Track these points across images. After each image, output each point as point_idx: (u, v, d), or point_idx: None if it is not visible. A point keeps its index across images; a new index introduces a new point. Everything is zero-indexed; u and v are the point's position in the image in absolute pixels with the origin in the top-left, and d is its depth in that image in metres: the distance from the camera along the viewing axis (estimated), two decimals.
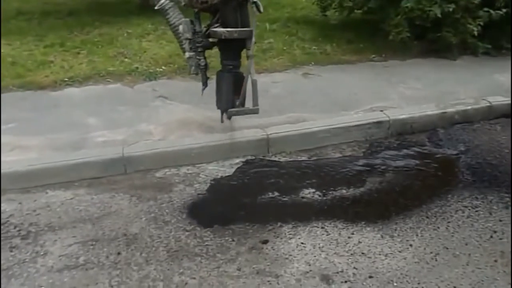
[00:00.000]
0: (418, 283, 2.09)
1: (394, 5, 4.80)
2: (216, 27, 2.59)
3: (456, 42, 4.84)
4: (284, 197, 2.76)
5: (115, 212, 2.63)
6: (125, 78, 4.37)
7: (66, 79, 4.28)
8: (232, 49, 2.66)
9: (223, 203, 2.75)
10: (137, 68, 4.55)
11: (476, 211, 2.61)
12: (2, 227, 2.51)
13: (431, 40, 4.97)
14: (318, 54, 5.00)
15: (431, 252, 2.29)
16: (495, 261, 2.22)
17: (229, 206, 2.71)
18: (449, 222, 2.52)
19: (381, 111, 3.65)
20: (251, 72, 2.59)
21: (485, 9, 4.71)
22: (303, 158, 3.22)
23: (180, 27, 2.60)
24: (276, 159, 3.21)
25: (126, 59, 4.79)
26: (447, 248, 2.31)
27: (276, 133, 3.30)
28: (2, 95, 3.96)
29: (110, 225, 2.52)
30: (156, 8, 2.61)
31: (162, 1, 2.60)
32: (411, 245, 2.34)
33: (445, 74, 4.50)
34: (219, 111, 3.05)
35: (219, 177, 2.99)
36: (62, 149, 3.15)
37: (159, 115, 3.63)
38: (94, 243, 2.38)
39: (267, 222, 2.52)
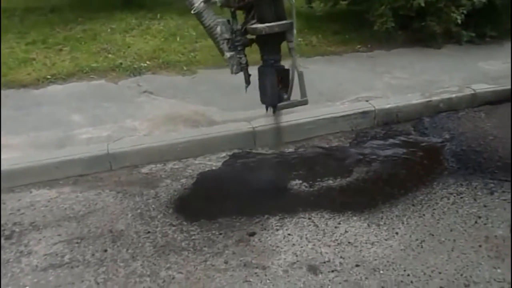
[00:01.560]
0: (404, 270, 2.11)
1: None
2: (254, 23, 2.56)
3: (440, 31, 4.87)
4: (271, 189, 2.76)
5: (101, 209, 2.61)
6: (109, 74, 4.33)
7: (49, 77, 4.23)
8: (273, 43, 2.63)
9: (210, 197, 2.74)
10: (121, 63, 4.50)
11: (461, 197, 2.64)
12: None
13: (416, 29, 4.99)
14: (303, 46, 4.99)
15: (417, 239, 2.30)
16: (480, 246, 2.25)
17: (215, 200, 2.70)
18: (434, 209, 2.54)
19: (367, 101, 3.66)
20: (296, 65, 2.57)
21: None
22: (290, 150, 3.22)
23: (218, 28, 2.58)
24: (263, 151, 3.21)
25: (109, 55, 4.73)
26: (432, 235, 2.33)
27: (262, 125, 3.29)
28: None
29: (96, 222, 2.50)
30: (192, 12, 2.58)
31: (196, 5, 2.56)
32: (397, 233, 2.36)
33: (430, 63, 4.52)
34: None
35: (205, 171, 2.98)
36: (46, 147, 3.11)
37: (144, 111, 3.60)
38: (79, 241, 2.36)
39: (254, 214, 2.52)
